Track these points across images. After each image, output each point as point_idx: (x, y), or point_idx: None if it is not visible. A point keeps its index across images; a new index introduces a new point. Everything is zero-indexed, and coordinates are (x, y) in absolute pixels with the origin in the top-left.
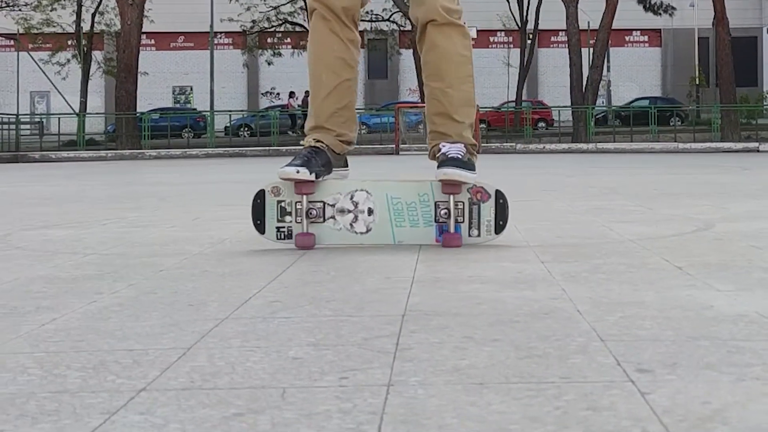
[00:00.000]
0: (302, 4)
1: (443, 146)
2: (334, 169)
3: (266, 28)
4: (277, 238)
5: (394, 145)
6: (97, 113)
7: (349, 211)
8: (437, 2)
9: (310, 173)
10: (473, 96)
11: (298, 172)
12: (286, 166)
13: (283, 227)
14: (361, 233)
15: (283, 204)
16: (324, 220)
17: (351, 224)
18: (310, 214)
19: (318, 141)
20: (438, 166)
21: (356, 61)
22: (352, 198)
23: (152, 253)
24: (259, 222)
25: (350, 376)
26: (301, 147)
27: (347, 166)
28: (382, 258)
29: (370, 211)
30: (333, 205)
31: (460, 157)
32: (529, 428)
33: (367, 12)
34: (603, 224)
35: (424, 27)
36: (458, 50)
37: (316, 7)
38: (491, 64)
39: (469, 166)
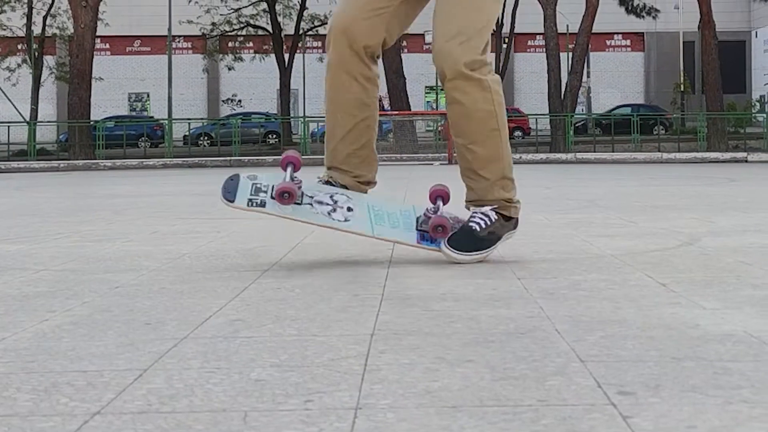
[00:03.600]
0: (265, 6)
1: (470, 208)
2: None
3: (227, 32)
4: (248, 206)
5: None
6: (48, 121)
7: (328, 204)
8: (449, 57)
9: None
10: (501, 150)
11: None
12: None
13: (256, 199)
14: (339, 221)
15: (258, 185)
16: (301, 203)
17: (329, 213)
18: (284, 196)
19: (334, 179)
20: (450, 236)
21: (374, 98)
22: (332, 197)
23: (107, 268)
24: (229, 193)
25: (316, 399)
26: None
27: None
28: (350, 273)
29: (350, 209)
30: (311, 197)
31: (477, 230)
32: None
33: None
34: (583, 239)
35: (442, 81)
36: (478, 106)
37: (334, 40)
38: None
39: (481, 245)
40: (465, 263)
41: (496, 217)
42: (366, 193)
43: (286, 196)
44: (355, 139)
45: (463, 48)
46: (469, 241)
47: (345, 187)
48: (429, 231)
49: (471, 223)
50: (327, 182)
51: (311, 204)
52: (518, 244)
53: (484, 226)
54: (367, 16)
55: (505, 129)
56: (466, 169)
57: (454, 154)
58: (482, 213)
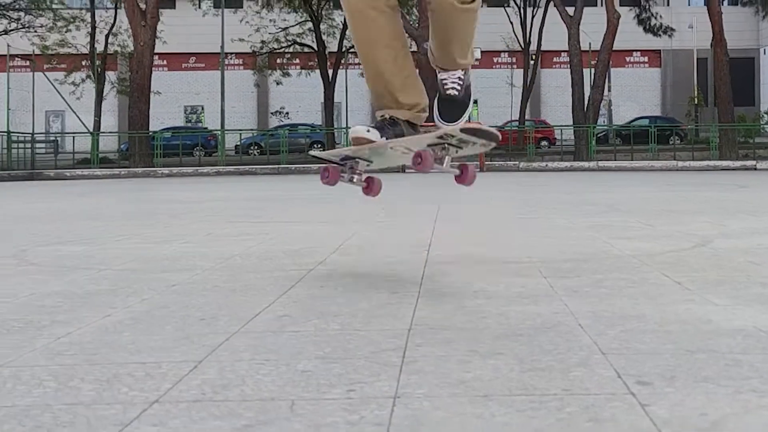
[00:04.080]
0: (310, 26)
1: (441, 76)
2: None
3: (275, 49)
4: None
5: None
6: (110, 132)
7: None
8: None
9: (381, 136)
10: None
11: (368, 131)
12: (359, 125)
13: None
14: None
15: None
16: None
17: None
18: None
19: (392, 115)
20: (438, 110)
21: (402, 26)
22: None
23: (164, 268)
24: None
25: (357, 388)
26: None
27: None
28: (389, 273)
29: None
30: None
31: (456, 95)
32: None
33: None
34: (604, 240)
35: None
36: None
37: None
38: (495, 84)
39: (462, 106)
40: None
41: (463, 74)
42: (421, 123)
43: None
44: (402, 68)
45: None
46: (455, 107)
47: (407, 121)
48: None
49: (448, 91)
50: (387, 119)
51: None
52: (544, 246)
53: (459, 88)
54: None
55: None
56: (442, 46)
57: (485, 162)
58: (454, 78)
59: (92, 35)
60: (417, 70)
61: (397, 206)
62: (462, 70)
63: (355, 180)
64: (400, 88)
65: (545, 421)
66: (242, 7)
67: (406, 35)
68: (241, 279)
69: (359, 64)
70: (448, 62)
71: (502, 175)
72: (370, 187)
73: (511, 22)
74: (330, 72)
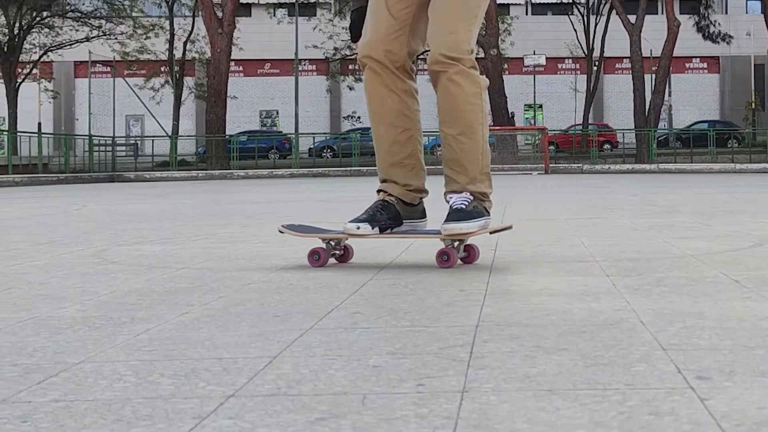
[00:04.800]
0: None
1: (450, 197)
2: (406, 221)
3: (347, 56)
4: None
5: None
6: (188, 135)
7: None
8: (442, 46)
9: (372, 228)
10: (484, 144)
11: (358, 228)
12: (350, 222)
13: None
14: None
15: None
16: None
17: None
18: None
19: (386, 194)
20: (444, 220)
21: (415, 110)
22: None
23: (240, 267)
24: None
25: (426, 383)
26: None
27: (425, 216)
28: (457, 271)
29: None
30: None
31: (464, 207)
32: (597, 431)
33: None
34: (664, 240)
35: (432, 71)
36: (470, 99)
37: (365, 62)
38: (559, 89)
39: (473, 214)
40: (473, 231)
41: (472, 197)
42: (417, 202)
43: (316, 257)
44: (400, 149)
45: (453, 39)
46: (462, 215)
47: (399, 199)
48: (436, 259)
49: (456, 205)
50: (381, 201)
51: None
52: (607, 245)
53: (467, 203)
54: (388, 39)
55: (486, 127)
56: (451, 160)
57: (551, 165)
58: (462, 196)
59: (171, 42)
60: (421, 156)
61: None
62: (473, 195)
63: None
64: (391, 166)
65: (607, 414)
66: (315, 15)
67: (418, 119)
68: (314, 277)
69: (427, 69)
70: (460, 177)
71: (565, 177)
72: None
73: (575, 30)
74: None
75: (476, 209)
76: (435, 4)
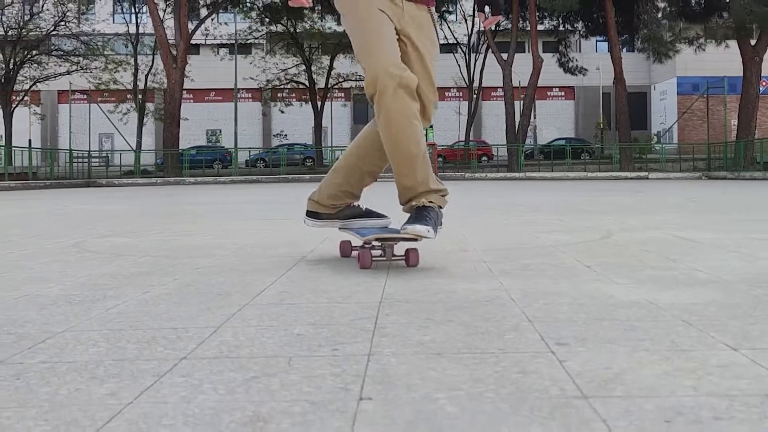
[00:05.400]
0: (303, 67)
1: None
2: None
3: (277, 86)
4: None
5: None
6: (149, 150)
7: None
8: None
9: (435, 233)
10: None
11: (428, 231)
12: (420, 225)
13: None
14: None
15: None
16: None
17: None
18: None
19: (430, 201)
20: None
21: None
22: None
23: (191, 255)
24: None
25: (340, 348)
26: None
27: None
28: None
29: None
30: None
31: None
32: (475, 387)
33: (353, 72)
34: (531, 233)
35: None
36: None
37: (391, 86)
38: (446, 113)
39: (431, 217)
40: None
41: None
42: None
43: None
44: (427, 164)
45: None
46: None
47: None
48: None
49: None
50: (430, 206)
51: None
52: (485, 237)
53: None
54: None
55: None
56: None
57: (439, 173)
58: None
59: (135, 75)
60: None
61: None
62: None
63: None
64: (430, 177)
65: (484, 372)
66: (251, 53)
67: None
68: (250, 263)
69: (341, 97)
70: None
71: (451, 183)
72: (409, 259)
73: (459, 65)
74: (319, 103)
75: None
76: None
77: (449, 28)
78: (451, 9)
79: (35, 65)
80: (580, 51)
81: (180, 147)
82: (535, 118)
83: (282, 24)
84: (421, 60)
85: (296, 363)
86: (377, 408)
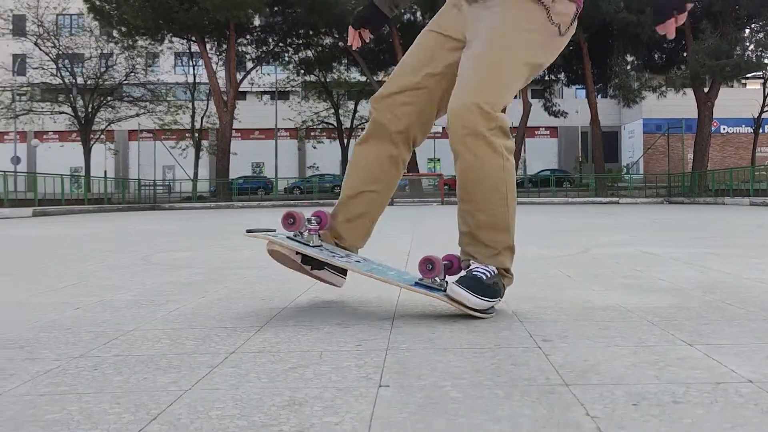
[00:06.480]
0: (332, 110)
1: (472, 263)
2: (326, 268)
3: (310, 126)
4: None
5: (389, 199)
6: (204, 179)
7: (341, 256)
8: (460, 116)
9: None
10: (507, 220)
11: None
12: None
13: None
14: (353, 262)
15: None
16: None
17: (344, 257)
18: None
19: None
20: (457, 280)
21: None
22: (345, 254)
23: (239, 267)
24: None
25: (363, 343)
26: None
27: (345, 275)
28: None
29: (358, 261)
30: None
31: (484, 278)
32: (475, 376)
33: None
34: (519, 248)
35: (452, 138)
36: (487, 171)
37: (372, 129)
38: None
39: (488, 292)
40: (477, 309)
41: (496, 271)
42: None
43: (291, 220)
44: (359, 205)
45: (477, 107)
46: (479, 285)
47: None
48: (419, 267)
49: (475, 273)
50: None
51: (329, 251)
52: None
53: (489, 275)
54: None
55: (512, 197)
56: (467, 234)
57: (445, 199)
58: (484, 266)
59: (192, 116)
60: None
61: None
62: (498, 270)
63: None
64: (344, 220)
65: (483, 364)
66: (289, 99)
67: (394, 185)
68: (288, 274)
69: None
70: (476, 251)
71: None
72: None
73: None
74: (345, 140)
75: (495, 285)
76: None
77: None
78: None
79: (110, 109)
80: (562, 97)
81: (230, 177)
82: (525, 152)
83: (314, 75)
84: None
85: (326, 356)
86: (394, 394)
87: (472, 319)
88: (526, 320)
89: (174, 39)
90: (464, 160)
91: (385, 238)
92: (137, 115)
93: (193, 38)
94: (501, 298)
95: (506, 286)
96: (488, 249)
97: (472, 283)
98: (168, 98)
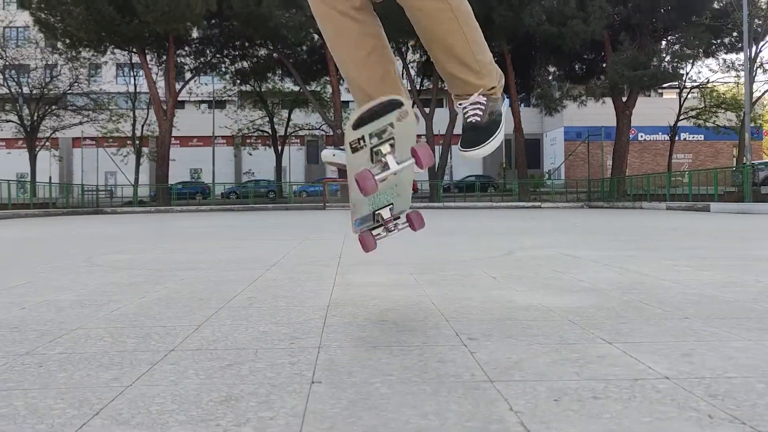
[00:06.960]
0: (267, 119)
1: (460, 106)
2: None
3: (246, 134)
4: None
5: (322, 204)
6: (144, 184)
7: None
8: None
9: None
10: (464, 44)
11: (334, 155)
12: (326, 149)
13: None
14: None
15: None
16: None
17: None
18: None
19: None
20: (460, 141)
21: (374, 26)
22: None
23: (177, 268)
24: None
25: (296, 342)
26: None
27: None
28: (315, 271)
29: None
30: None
31: (478, 121)
32: (403, 373)
33: (306, 123)
34: (447, 251)
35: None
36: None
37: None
38: None
39: (490, 128)
40: (496, 147)
41: (485, 99)
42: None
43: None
44: (373, 66)
45: None
46: (481, 133)
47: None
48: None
49: (470, 120)
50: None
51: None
52: (411, 254)
53: (481, 112)
54: None
55: (464, 19)
56: (447, 80)
57: (327, 203)
58: (472, 103)
59: (133, 125)
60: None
61: (324, 231)
62: (481, 94)
63: (393, 228)
64: (373, 87)
65: (411, 361)
66: (225, 108)
67: (382, 33)
68: (225, 274)
69: (297, 142)
70: (456, 84)
71: None
72: (413, 223)
73: None
74: (279, 147)
75: (491, 117)
76: None
77: None
78: None
79: (54, 117)
80: None
81: (169, 182)
82: (451, 159)
83: (250, 84)
84: None
85: (261, 354)
86: (326, 390)
87: (402, 318)
88: (452, 319)
89: (116, 50)
90: (413, 14)
91: (318, 240)
92: (81, 123)
93: (134, 50)
94: (503, 116)
95: (500, 103)
96: (462, 81)
97: (472, 136)
98: (110, 107)
